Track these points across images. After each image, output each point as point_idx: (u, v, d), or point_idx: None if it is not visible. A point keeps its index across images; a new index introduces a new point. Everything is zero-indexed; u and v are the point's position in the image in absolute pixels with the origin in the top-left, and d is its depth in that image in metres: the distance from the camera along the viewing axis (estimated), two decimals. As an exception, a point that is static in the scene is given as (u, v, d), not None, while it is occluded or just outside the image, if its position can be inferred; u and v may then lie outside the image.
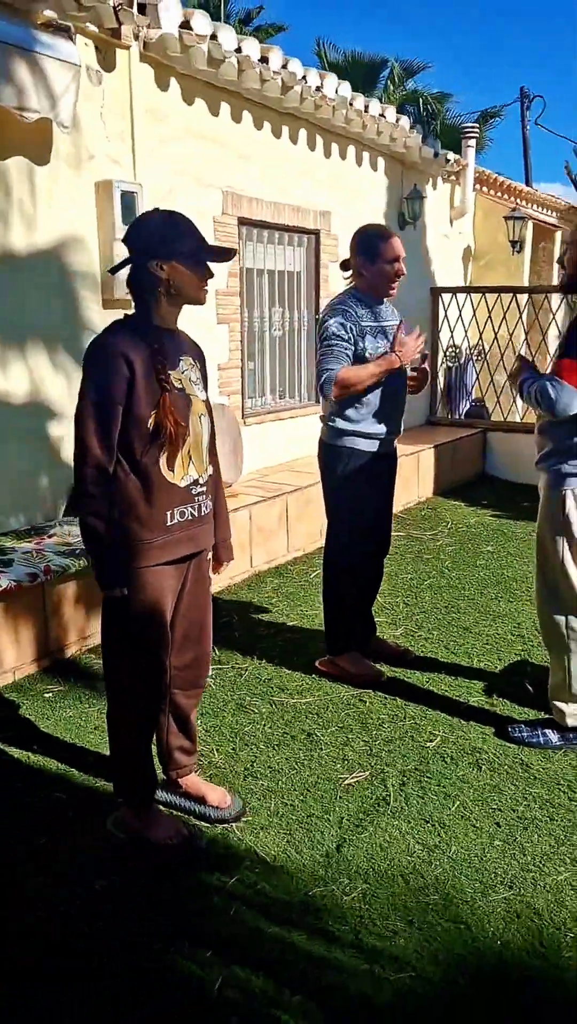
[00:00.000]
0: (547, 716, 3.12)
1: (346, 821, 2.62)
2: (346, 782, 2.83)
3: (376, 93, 15.62)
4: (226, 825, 2.59)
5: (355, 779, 2.85)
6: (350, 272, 3.43)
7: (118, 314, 4.48)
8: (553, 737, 3.03)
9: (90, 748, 3.03)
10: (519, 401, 8.24)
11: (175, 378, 2.28)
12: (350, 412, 3.34)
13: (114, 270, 2.37)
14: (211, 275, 2.31)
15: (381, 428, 3.40)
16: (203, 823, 2.59)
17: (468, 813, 2.65)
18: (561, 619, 2.96)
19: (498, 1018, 1.89)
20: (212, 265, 2.31)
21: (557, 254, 10.86)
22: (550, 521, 2.91)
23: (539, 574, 3.02)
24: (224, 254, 2.31)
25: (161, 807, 2.60)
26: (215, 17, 10.05)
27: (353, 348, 3.27)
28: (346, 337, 3.26)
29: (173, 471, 2.27)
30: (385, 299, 3.41)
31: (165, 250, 2.21)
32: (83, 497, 2.23)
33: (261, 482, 5.47)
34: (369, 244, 3.30)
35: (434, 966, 2.04)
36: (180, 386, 2.29)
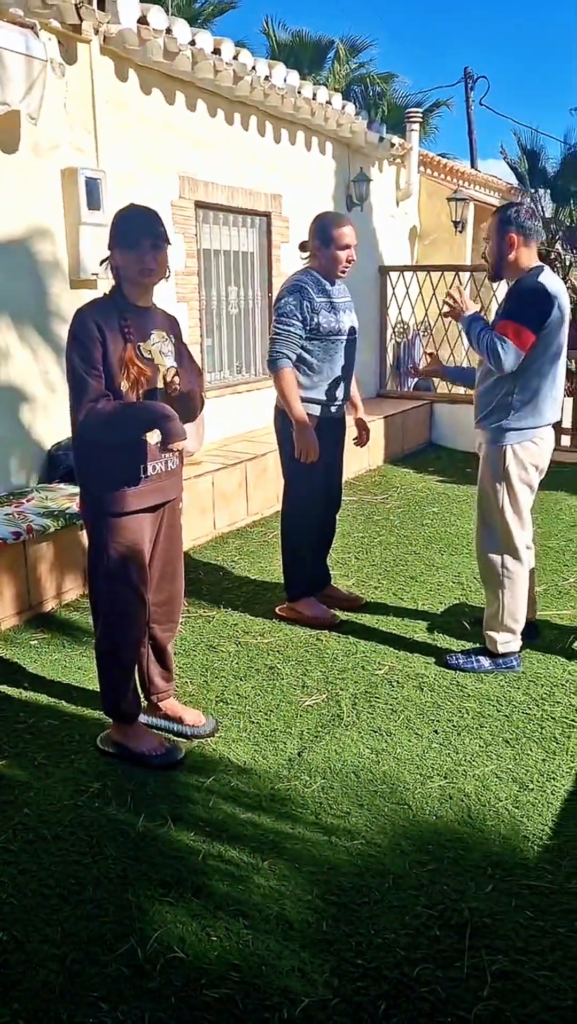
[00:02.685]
0: (481, 646, 3.55)
1: (306, 734, 3.03)
2: (305, 703, 3.24)
3: (323, 73, 15.89)
4: (201, 740, 2.97)
5: (313, 701, 3.26)
6: (308, 253, 3.78)
7: (85, 293, 4.85)
8: (486, 663, 3.48)
9: (75, 684, 3.39)
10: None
11: (145, 349, 2.65)
12: (302, 380, 3.72)
13: (103, 261, 2.73)
14: (151, 263, 2.62)
15: (330, 395, 3.79)
16: (181, 739, 2.98)
17: (411, 724, 3.08)
18: (497, 558, 3.40)
19: (433, 869, 2.32)
20: (170, 248, 2.70)
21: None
22: (492, 470, 3.33)
23: (479, 519, 3.46)
24: (157, 243, 2.63)
25: (144, 725, 2.98)
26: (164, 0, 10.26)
27: (305, 327, 3.65)
28: (300, 317, 3.63)
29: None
30: (337, 279, 3.78)
31: (124, 242, 2.62)
32: (112, 416, 2.53)
33: (221, 451, 5.82)
34: (324, 230, 3.67)
35: (382, 836, 2.46)
36: (149, 356, 2.66)
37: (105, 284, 4.75)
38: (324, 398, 3.77)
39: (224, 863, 2.35)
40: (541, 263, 3.27)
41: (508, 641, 3.45)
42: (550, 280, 3.17)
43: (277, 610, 4.11)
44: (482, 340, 3.20)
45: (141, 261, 2.61)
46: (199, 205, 5.83)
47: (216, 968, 1.99)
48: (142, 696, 3.00)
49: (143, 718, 3.00)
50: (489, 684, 3.38)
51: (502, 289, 8.50)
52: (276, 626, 3.99)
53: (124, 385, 2.57)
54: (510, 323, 3.14)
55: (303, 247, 3.81)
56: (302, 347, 3.66)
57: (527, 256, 3.25)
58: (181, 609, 3.04)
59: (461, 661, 3.50)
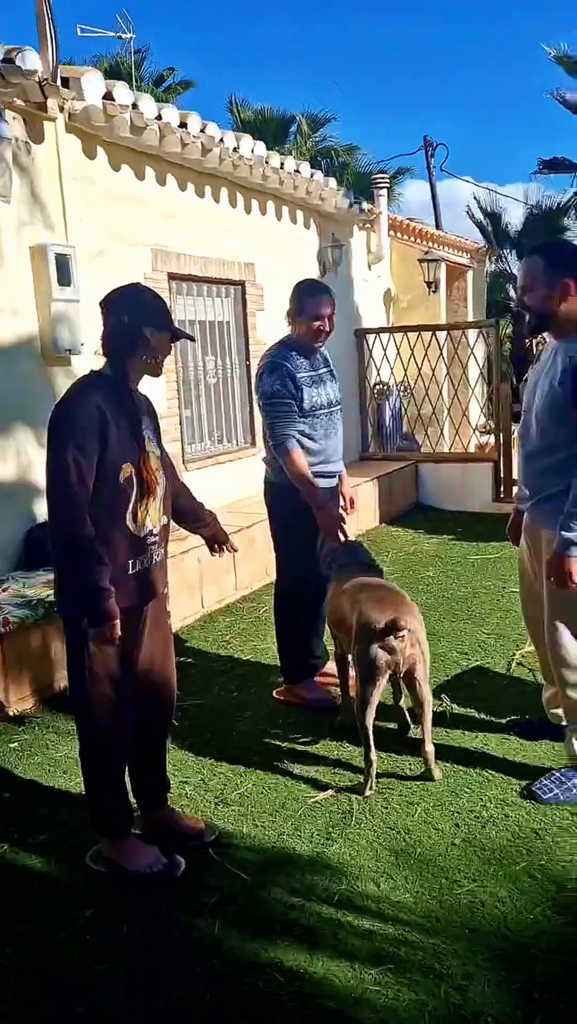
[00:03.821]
0: (571, 765, 2.97)
1: (316, 836, 2.75)
2: (312, 800, 2.98)
3: (287, 146, 16.24)
4: (203, 849, 2.69)
5: (321, 796, 2.99)
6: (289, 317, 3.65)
7: (58, 370, 4.67)
8: None
9: (61, 790, 3.11)
10: (447, 431, 8.62)
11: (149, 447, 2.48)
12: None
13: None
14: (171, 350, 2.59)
15: (324, 467, 3.63)
16: (179, 850, 2.69)
17: (429, 818, 2.82)
18: None
19: (477, 1000, 2.05)
20: None
21: (469, 292, 11.42)
22: None
23: (555, 615, 2.83)
24: (186, 336, 2.67)
25: (138, 838, 2.70)
26: (129, 79, 10.44)
27: (295, 402, 3.49)
28: (286, 394, 3.48)
29: (136, 523, 2.43)
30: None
31: (158, 321, 2.47)
32: (79, 537, 2.29)
33: (206, 525, 5.61)
34: (299, 299, 3.55)
35: (410, 961, 2.19)
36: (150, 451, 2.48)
37: (82, 360, 4.63)
38: (317, 471, 3.59)
39: (238, 1003, 2.06)
40: None
41: None
42: None
43: (275, 694, 3.86)
44: None
45: (170, 351, 2.56)
46: (172, 277, 5.74)
47: None
48: (135, 804, 2.73)
49: (136, 828, 2.73)
50: (512, 766, 3.13)
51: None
52: (274, 711, 3.73)
53: (122, 475, 2.37)
54: None
55: (288, 313, 3.69)
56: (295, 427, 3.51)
57: None
58: (174, 708, 2.79)
59: (559, 793, 2.88)
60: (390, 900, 2.42)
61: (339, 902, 2.43)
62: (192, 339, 2.81)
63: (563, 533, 2.66)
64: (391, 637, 2.92)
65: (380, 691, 3.00)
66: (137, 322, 2.46)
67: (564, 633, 2.83)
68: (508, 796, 2.93)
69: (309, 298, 3.53)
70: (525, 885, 2.45)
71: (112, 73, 14.31)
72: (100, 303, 2.52)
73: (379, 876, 2.53)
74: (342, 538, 3.54)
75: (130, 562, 2.45)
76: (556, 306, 2.70)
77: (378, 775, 3.03)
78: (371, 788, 2.98)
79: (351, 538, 3.70)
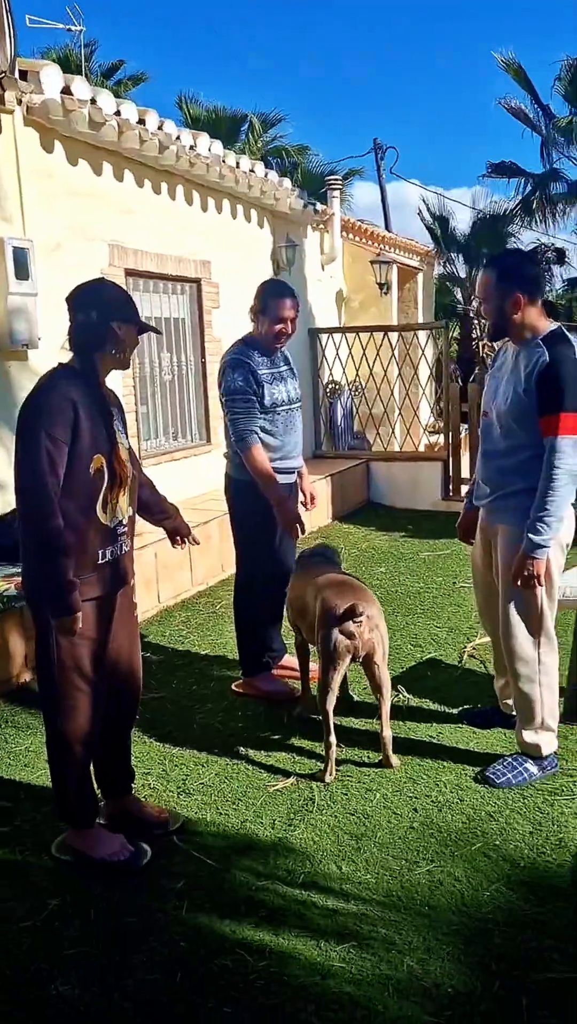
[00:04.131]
0: (516, 752, 3.09)
1: (278, 823, 2.82)
2: (273, 788, 3.04)
3: (238, 145, 16.26)
4: (167, 838, 2.74)
5: (281, 785, 3.06)
6: (253, 314, 3.70)
7: (15, 364, 4.65)
8: (534, 770, 3.01)
9: (23, 782, 3.12)
10: (397, 431, 8.77)
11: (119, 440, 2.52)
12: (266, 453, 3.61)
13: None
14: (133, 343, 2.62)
15: (284, 463, 3.70)
16: (144, 839, 2.73)
17: (389, 803, 2.91)
18: (533, 653, 2.94)
19: (435, 969, 2.14)
20: None
21: (419, 294, 11.62)
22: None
23: (509, 609, 2.93)
24: (152, 329, 2.72)
25: (103, 827, 2.73)
26: (79, 72, 10.35)
27: (256, 399, 3.55)
28: (248, 391, 3.54)
29: (107, 513, 2.47)
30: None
31: (124, 314, 2.51)
32: (48, 528, 2.32)
33: (162, 521, 5.63)
34: (264, 300, 3.60)
35: (373, 936, 2.27)
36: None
37: (39, 354, 4.59)
38: (277, 467, 3.66)
39: (206, 983, 2.12)
40: (555, 323, 2.87)
41: (551, 740, 3.04)
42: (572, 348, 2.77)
43: (234, 687, 3.91)
44: (560, 492, 2.72)
45: (136, 344, 2.61)
46: (129, 273, 5.74)
47: None
48: (99, 795, 2.76)
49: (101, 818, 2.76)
50: (465, 753, 3.24)
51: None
52: (233, 704, 3.78)
53: (92, 466, 2.40)
54: (567, 415, 2.69)
55: (252, 309, 3.74)
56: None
57: (536, 314, 2.85)
58: (140, 697, 2.83)
59: (511, 777, 2.99)
60: (352, 881, 2.50)
61: (303, 884, 2.50)
62: (158, 332, 2.87)
63: (531, 536, 2.77)
64: (350, 622, 3.01)
65: (341, 675, 3.09)
66: (104, 316, 2.49)
67: (518, 627, 2.95)
68: (463, 781, 3.03)
69: (274, 299, 3.58)
70: (480, 864, 2.56)
71: (61, 65, 14.17)
72: (67, 299, 2.55)
73: (341, 859, 2.61)
74: (300, 533, 3.62)
75: (100, 552, 2.48)
76: (510, 316, 2.84)
77: (337, 763, 3.12)
78: (331, 773, 3.06)
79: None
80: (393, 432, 8.71)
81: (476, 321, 17.16)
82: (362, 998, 2.05)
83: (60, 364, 2.53)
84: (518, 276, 2.85)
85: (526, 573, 2.80)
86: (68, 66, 14.24)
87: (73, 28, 12.94)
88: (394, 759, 3.14)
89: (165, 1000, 2.07)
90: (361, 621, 3.02)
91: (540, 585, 2.83)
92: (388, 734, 3.14)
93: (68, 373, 2.48)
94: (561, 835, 2.69)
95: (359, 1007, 2.02)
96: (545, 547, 2.78)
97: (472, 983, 2.08)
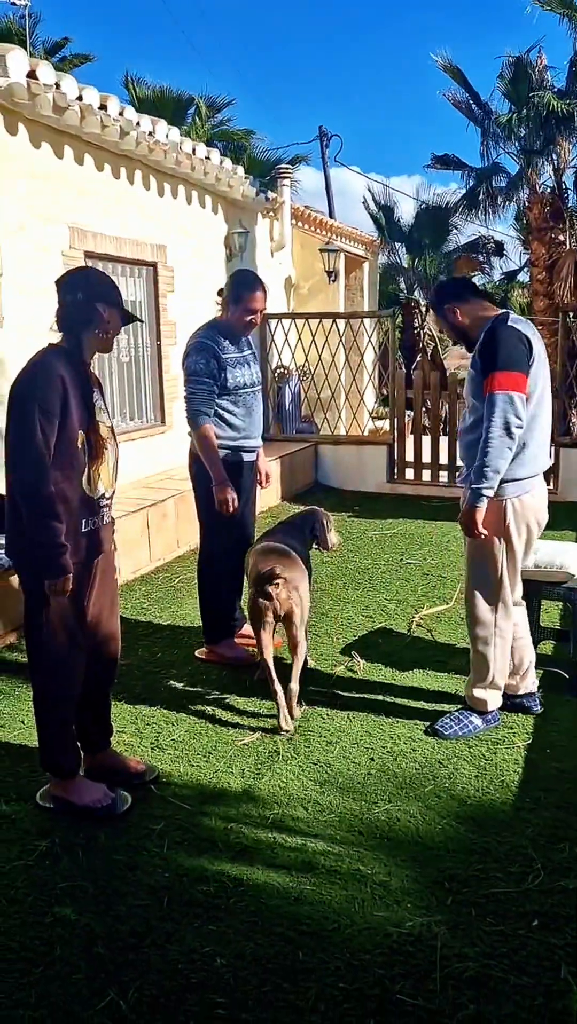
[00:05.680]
0: (464, 707, 3.39)
1: (247, 772, 3.05)
2: (241, 743, 3.28)
3: (184, 128, 16.25)
4: (145, 787, 2.95)
5: (248, 740, 3.30)
6: (222, 299, 3.89)
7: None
8: (478, 722, 3.31)
9: (2, 741, 3.29)
10: (344, 415, 9.04)
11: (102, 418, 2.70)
12: (228, 432, 3.82)
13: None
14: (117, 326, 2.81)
15: (243, 442, 3.91)
16: (123, 789, 2.93)
17: (348, 754, 3.17)
18: (490, 617, 3.21)
19: (395, 889, 2.41)
20: None
21: (365, 282, 11.90)
22: (492, 527, 3.11)
23: (472, 577, 3.23)
24: (135, 318, 2.90)
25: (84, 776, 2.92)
26: (22, 47, 10.28)
27: (216, 383, 3.76)
28: (209, 374, 3.74)
29: (90, 485, 2.65)
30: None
31: (109, 298, 2.69)
32: (43, 496, 2.50)
33: (121, 498, 5.78)
34: (236, 290, 3.79)
35: (339, 864, 2.53)
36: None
37: (3, 333, 4.69)
38: (237, 445, 3.87)
39: (191, 907, 2.35)
40: (501, 309, 3.18)
41: (497, 697, 3.34)
42: (518, 323, 3.07)
43: (197, 654, 4.13)
44: (494, 443, 2.97)
45: (119, 329, 2.78)
46: (89, 255, 5.85)
47: (200, 1010, 1.99)
48: (81, 748, 2.95)
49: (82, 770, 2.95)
50: (416, 710, 3.52)
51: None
52: (198, 669, 4.00)
53: (80, 440, 2.59)
54: (500, 373, 2.97)
55: (220, 293, 3.92)
56: (220, 404, 3.77)
57: (477, 309, 3.19)
58: (119, 658, 3.03)
59: (458, 729, 3.30)
60: (318, 820, 2.75)
61: (272, 824, 2.74)
62: (142, 321, 3.04)
63: (472, 486, 3.06)
64: (268, 585, 3.31)
65: (269, 633, 3.41)
66: (90, 297, 2.68)
67: (478, 595, 3.24)
68: (415, 734, 3.32)
69: (245, 291, 3.78)
70: (433, 803, 2.84)
71: (2, 39, 13.94)
72: (56, 282, 2.73)
73: (306, 802, 2.86)
74: (231, 510, 3.81)
75: (83, 521, 2.67)
76: (458, 325, 3.24)
77: (299, 723, 3.37)
78: (286, 720, 3.32)
79: (257, 512, 4.05)
80: (340, 416, 8.98)
81: (417, 310, 17.56)
82: (332, 914, 2.30)
83: (50, 344, 2.70)
84: (442, 297, 3.29)
85: (467, 520, 3.09)
86: (10, 40, 14.05)
87: (18, 2, 12.74)
88: (296, 710, 3.45)
89: (155, 920, 2.29)
90: (279, 583, 3.29)
91: (479, 536, 3.09)
92: (295, 687, 3.44)
93: (58, 352, 2.65)
94: (503, 778, 2.99)
95: (329, 920, 2.28)
96: (483, 495, 3.04)
97: (429, 899, 2.36)
